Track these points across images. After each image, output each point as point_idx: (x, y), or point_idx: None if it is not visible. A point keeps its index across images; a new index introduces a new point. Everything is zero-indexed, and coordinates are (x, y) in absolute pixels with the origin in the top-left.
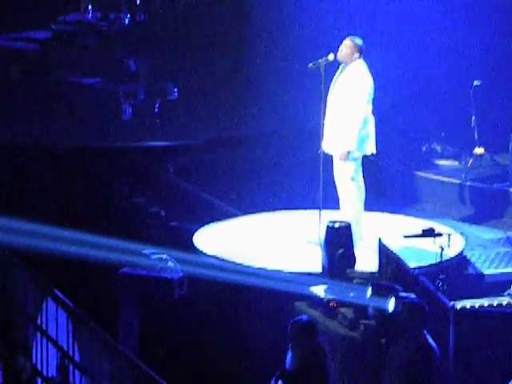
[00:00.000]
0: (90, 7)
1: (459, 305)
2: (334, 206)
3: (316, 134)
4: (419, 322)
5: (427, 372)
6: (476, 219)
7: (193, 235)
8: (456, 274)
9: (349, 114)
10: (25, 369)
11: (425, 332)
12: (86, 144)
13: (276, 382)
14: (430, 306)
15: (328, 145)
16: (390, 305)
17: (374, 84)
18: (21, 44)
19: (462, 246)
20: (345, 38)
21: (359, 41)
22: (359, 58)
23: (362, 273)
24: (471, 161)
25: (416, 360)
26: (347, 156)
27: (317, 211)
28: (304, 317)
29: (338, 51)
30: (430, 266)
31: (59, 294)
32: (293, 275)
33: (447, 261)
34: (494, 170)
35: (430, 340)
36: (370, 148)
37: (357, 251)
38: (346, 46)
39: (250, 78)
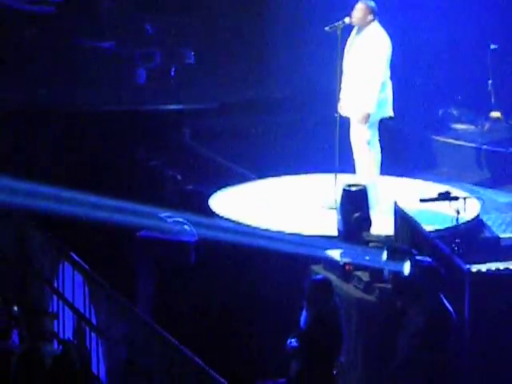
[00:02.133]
0: None
1: (475, 268)
2: (350, 169)
3: (333, 97)
4: (435, 285)
5: (443, 334)
6: (492, 183)
7: (209, 199)
8: (472, 237)
9: (367, 76)
10: (47, 333)
11: (441, 295)
12: (102, 107)
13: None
14: (445, 269)
15: (346, 108)
16: (406, 268)
17: (392, 47)
18: (36, 7)
19: (478, 209)
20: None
21: (371, 3)
22: (373, 19)
23: (378, 236)
24: (488, 125)
25: (432, 323)
26: (367, 119)
27: (333, 175)
28: (320, 276)
29: (351, 16)
30: (446, 229)
31: (75, 257)
32: (309, 238)
33: (463, 224)
34: (511, 133)
35: (446, 303)
36: (388, 111)
37: (373, 215)
38: (358, 9)
39: (267, 42)
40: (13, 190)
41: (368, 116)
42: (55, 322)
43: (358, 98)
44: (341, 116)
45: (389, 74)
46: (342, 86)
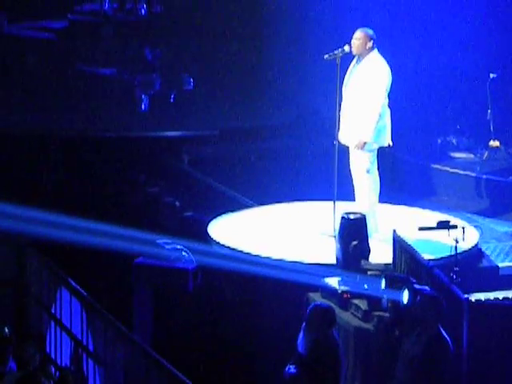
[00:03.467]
0: None
1: (473, 297)
2: (349, 197)
3: (332, 125)
4: (435, 314)
5: (441, 365)
6: (491, 212)
7: (207, 226)
8: (470, 266)
9: (366, 105)
10: (34, 358)
11: (439, 325)
12: (101, 134)
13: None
14: (444, 298)
15: (344, 136)
16: (404, 297)
17: (391, 76)
18: (37, 33)
19: (477, 238)
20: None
21: (370, 31)
22: (373, 48)
23: (377, 264)
24: (486, 153)
25: (430, 352)
26: (363, 147)
27: (331, 203)
28: (325, 303)
29: (350, 44)
30: (445, 258)
31: (73, 283)
32: (307, 266)
33: (462, 253)
34: (509, 162)
35: (444, 333)
36: (387, 139)
37: (371, 243)
38: (357, 38)
39: (267, 69)
40: (12, 215)
41: (364, 144)
42: (52, 348)
43: (356, 126)
44: (340, 144)
45: (387, 103)
46: (342, 114)
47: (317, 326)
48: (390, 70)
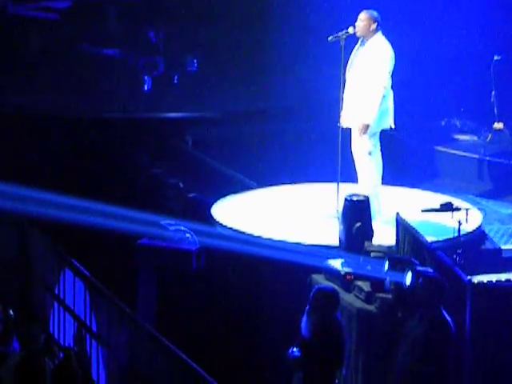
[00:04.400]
0: None
1: (476, 279)
2: (353, 179)
3: (336, 108)
4: (437, 296)
5: (442, 346)
6: (494, 194)
7: (211, 207)
8: (473, 248)
9: (370, 88)
10: (37, 339)
11: (441, 307)
12: (105, 115)
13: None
14: (446, 280)
15: (347, 119)
16: (407, 279)
17: (395, 58)
18: (40, 13)
19: (480, 220)
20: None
21: (374, 13)
22: (377, 30)
23: (380, 246)
24: (490, 136)
25: (431, 334)
26: (366, 130)
27: (335, 184)
28: (329, 286)
29: (354, 26)
30: (448, 240)
31: (77, 264)
32: (310, 248)
33: (465, 235)
34: None
35: (446, 315)
36: (389, 122)
37: (374, 225)
38: (362, 20)
39: (270, 51)
40: (16, 196)
41: (367, 127)
42: (56, 328)
43: (359, 109)
44: (343, 127)
45: (391, 85)
46: (345, 96)
47: (320, 309)
48: (393, 53)
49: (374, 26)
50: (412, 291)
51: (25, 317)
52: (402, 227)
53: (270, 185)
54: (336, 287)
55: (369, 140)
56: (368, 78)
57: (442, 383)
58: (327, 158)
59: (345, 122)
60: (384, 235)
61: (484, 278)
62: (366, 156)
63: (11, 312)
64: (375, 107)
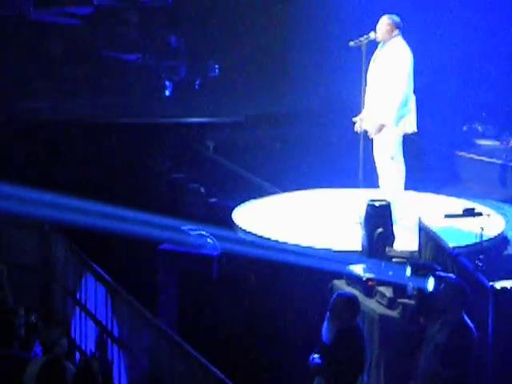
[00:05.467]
0: None
1: (499, 285)
2: (375, 185)
3: (357, 113)
4: (459, 302)
5: (464, 352)
6: None
7: (232, 212)
8: (496, 254)
9: (388, 90)
10: (59, 343)
11: (463, 312)
12: (127, 119)
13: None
14: (469, 286)
15: (367, 122)
16: (430, 284)
17: (414, 62)
18: (62, 19)
19: (503, 226)
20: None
21: (396, 18)
22: (398, 34)
23: (402, 252)
24: None
25: (453, 340)
26: (380, 130)
27: (357, 190)
28: (350, 292)
29: (376, 30)
30: (470, 246)
31: (98, 269)
32: (332, 253)
33: (487, 241)
34: None
35: (468, 321)
36: (411, 126)
37: (396, 230)
38: (384, 24)
39: (292, 56)
40: (37, 200)
41: (381, 128)
42: (78, 334)
43: (377, 111)
44: (362, 131)
45: (412, 89)
46: (366, 101)
47: (341, 315)
48: (412, 56)
49: (395, 31)
50: (434, 297)
51: (46, 321)
52: (425, 232)
53: (292, 190)
54: (358, 293)
55: (390, 144)
56: (386, 80)
57: None
58: (349, 163)
59: (364, 126)
60: (406, 240)
61: (506, 284)
62: (389, 161)
63: (33, 317)
64: (392, 109)
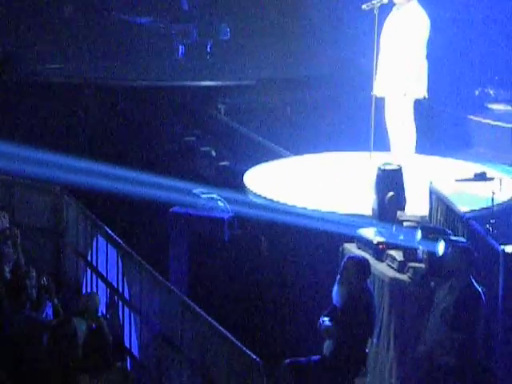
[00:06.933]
0: None
1: (509, 248)
2: (386, 148)
3: (369, 77)
4: (466, 265)
5: (472, 315)
6: None
7: (243, 175)
8: (507, 218)
9: (407, 56)
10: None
11: (470, 276)
12: (137, 83)
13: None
14: (479, 249)
15: (382, 87)
16: (440, 248)
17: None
18: None
19: None
20: None
21: None
22: None
23: (413, 216)
24: None
25: (461, 303)
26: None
27: (368, 153)
28: (359, 255)
29: None
30: (481, 210)
31: (109, 231)
32: (343, 217)
33: (498, 205)
34: None
35: (476, 284)
36: (423, 91)
37: (408, 194)
38: None
39: (304, 20)
40: (49, 163)
41: (405, 96)
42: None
43: (397, 77)
44: (377, 96)
45: (425, 54)
46: (379, 65)
47: (351, 278)
48: (429, 21)
49: None
50: (444, 260)
51: (58, 283)
52: (436, 197)
53: (303, 153)
54: (368, 256)
55: (403, 109)
56: (407, 45)
57: (470, 351)
58: (360, 127)
59: (379, 90)
60: (417, 205)
61: None
62: (400, 125)
63: (45, 279)
64: (414, 75)
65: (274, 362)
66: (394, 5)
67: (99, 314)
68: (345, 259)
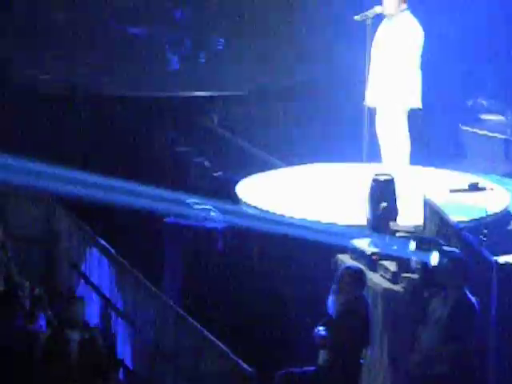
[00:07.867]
0: None
1: (502, 260)
2: (379, 159)
3: (361, 87)
4: (460, 277)
5: (466, 326)
6: None
7: (236, 186)
8: (500, 229)
9: (400, 67)
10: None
11: (464, 287)
12: (131, 93)
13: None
14: (472, 260)
15: (374, 97)
16: (433, 259)
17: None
18: None
19: (507, 201)
20: None
21: None
22: (406, 9)
23: (406, 226)
24: None
25: (455, 315)
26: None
27: (361, 164)
28: (356, 265)
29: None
30: (474, 220)
31: (102, 242)
32: (336, 227)
33: (491, 216)
34: None
35: (470, 295)
36: (417, 102)
37: (401, 205)
38: None
39: (297, 30)
40: (42, 173)
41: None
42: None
43: (393, 87)
44: (368, 106)
45: (419, 64)
46: (371, 75)
47: (347, 288)
48: (423, 32)
49: (403, 5)
50: (437, 271)
51: (50, 294)
52: (429, 207)
53: (296, 164)
54: (362, 267)
55: (397, 120)
56: (401, 57)
57: (464, 361)
58: (353, 138)
59: (371, 101)
60: (410, 215)
61: (510, 259)
62: (394, 136)
63: (38, 290)
64: (413, 87)
65: (268, 373)
66: (385, 16)
67: (91, 324)
68: (341, 269)
